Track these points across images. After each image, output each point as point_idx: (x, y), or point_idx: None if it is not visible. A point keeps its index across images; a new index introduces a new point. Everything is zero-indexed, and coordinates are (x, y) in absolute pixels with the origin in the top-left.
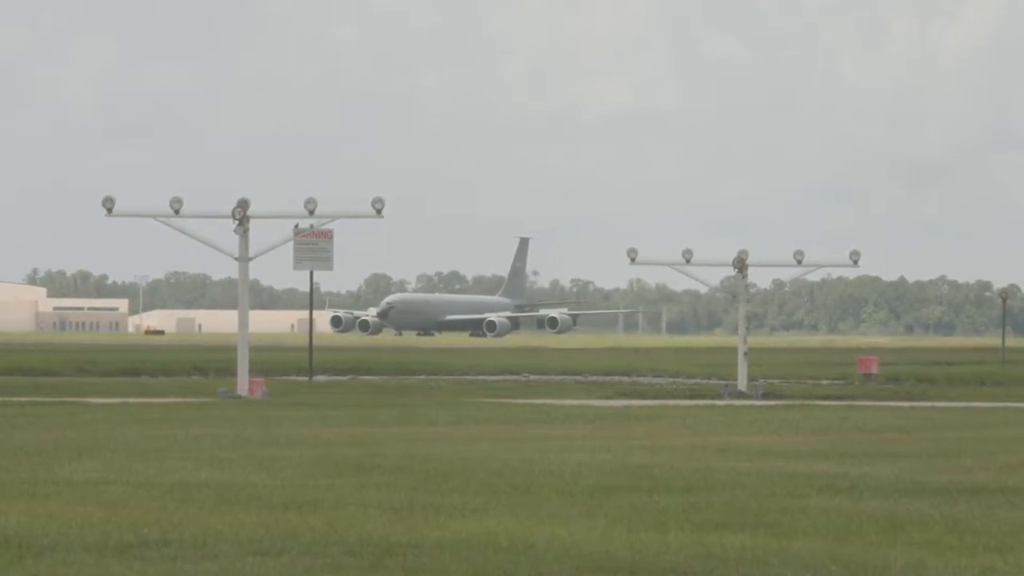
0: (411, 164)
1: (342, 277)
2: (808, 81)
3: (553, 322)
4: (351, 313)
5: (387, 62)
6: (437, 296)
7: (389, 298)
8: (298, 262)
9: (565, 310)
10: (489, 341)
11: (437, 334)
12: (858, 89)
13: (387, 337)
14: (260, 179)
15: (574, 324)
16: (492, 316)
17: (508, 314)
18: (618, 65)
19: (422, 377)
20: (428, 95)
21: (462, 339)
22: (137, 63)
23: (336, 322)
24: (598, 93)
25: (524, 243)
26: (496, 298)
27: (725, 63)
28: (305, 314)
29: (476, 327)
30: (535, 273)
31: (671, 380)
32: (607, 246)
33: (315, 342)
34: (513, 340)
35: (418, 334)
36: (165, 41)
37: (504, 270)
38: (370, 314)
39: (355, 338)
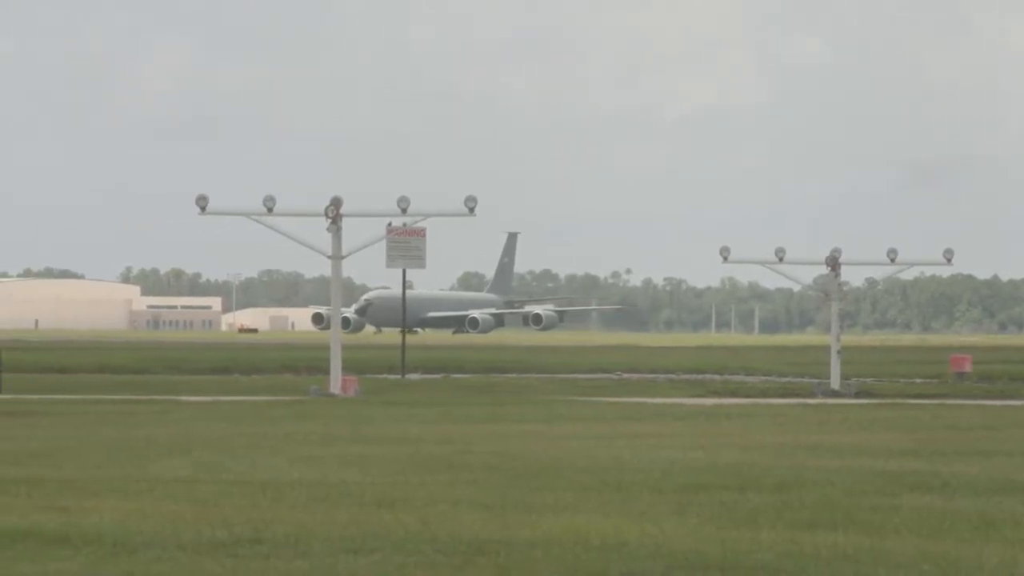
0: (499, 163)
1: (435, 275)
2: (894, 76)
3: (538, 319)
4: None
5: (470, 61)
6: (417, 292)
7: (368, 294)
8: (391, 260)
9: (551, 306)
10: (579, 339)
11: (420, 331)
12: (943, 84)
13: (396, 335)
14: (347, 178)
15: (560, 321)
16: (475, 313)
17: (492, 311)
18: (704, 62)
19: (513, 375)
20: (515, 95)
21: (503, 336)
22: (222, 61)
23: (318, 319)
24: (687, 90)
25: (512, 238)
26: (482, 294)
27: (811, 59)
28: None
29: (458, 324)
30: (628, 272)
31: (763, 378)
32: (700, 244)
33: (300, 339)
34: (499, 336)
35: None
36: (256, 41)
37: (596, 269)
38: (350, 311)
39: (346, 336)
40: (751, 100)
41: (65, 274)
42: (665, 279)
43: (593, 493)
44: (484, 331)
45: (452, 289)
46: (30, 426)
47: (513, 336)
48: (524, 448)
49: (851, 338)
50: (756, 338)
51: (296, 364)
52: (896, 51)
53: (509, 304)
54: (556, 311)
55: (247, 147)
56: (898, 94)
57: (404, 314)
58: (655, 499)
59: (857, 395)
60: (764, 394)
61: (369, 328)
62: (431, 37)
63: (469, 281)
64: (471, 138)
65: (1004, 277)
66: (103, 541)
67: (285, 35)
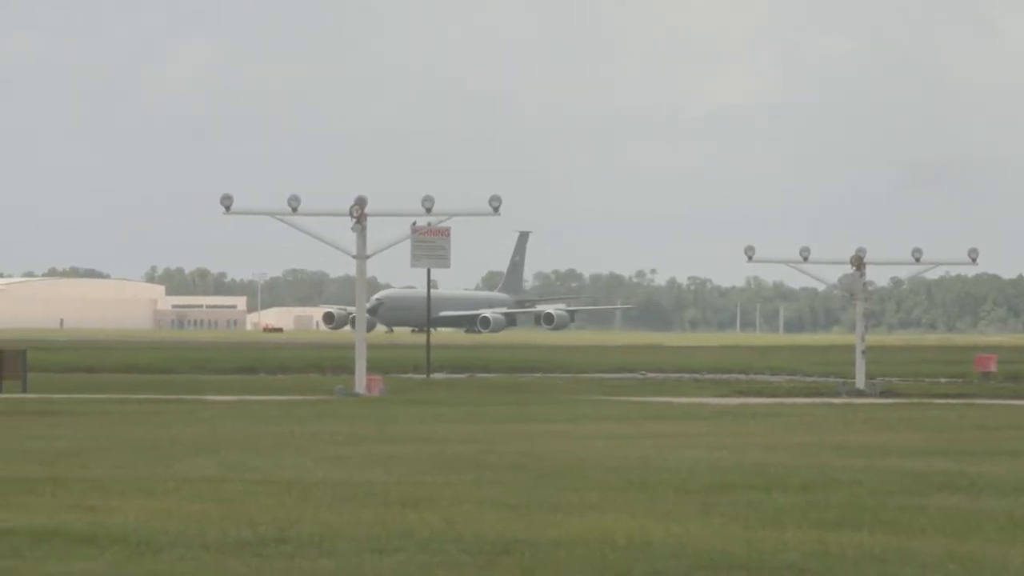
0: (519, 163)
1: (457, 275)
2: (907, 74)
3: (549, 318)
4: (344, 309)
5: (495, 60)
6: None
7: (379, 294)
8: (416, 260)
9: (563, 306)
10: (603, 338)
11: (432, 330)
12: (959, 83)
13: (403, 334)
14: (363, 177)
15: (572, 320)
16: (486, 312)
17: (504, 310)
18: (727, 62)
19: (539, 375)
20: (533, 94)
21: (517, 335)
22: (242, 61)
23: (328, 318)
24: (709, 90)
25: (524, 237)
26: (494, 294)
27: (835, 57)
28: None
29: (470, 323)
30: (653, 271)
31: (788, 378)
32: (725, 243)
33: (325, 339)
34: (511, 336)
35: (412, 331)
36: (275, 41)
37: (622, 268)
38: None
39: (350, 335)
40: (768, 100)
41: (90, 274)
42: (690, 278)
43: (618, 493)
44: (495, 330)
45: (477, 289)
46: (56, 425)
47: (529, 336)
48: (549, 448)
49: (876, 338)
50: (781, 338)
51: (321, 363)
52: (914, 49)
53: (520, 303)
54: (568, 311)
55: (267, 147)
56: (912, 92)
57: (428, 314)
58: (680, 499)
59: (882, 395)
60: (789, 394)
61: (380, 328)
62: (450, 38)
63: (493, 281)
64: (490, 138)
65: None
66: (129, 540)
67: (304, 36)
